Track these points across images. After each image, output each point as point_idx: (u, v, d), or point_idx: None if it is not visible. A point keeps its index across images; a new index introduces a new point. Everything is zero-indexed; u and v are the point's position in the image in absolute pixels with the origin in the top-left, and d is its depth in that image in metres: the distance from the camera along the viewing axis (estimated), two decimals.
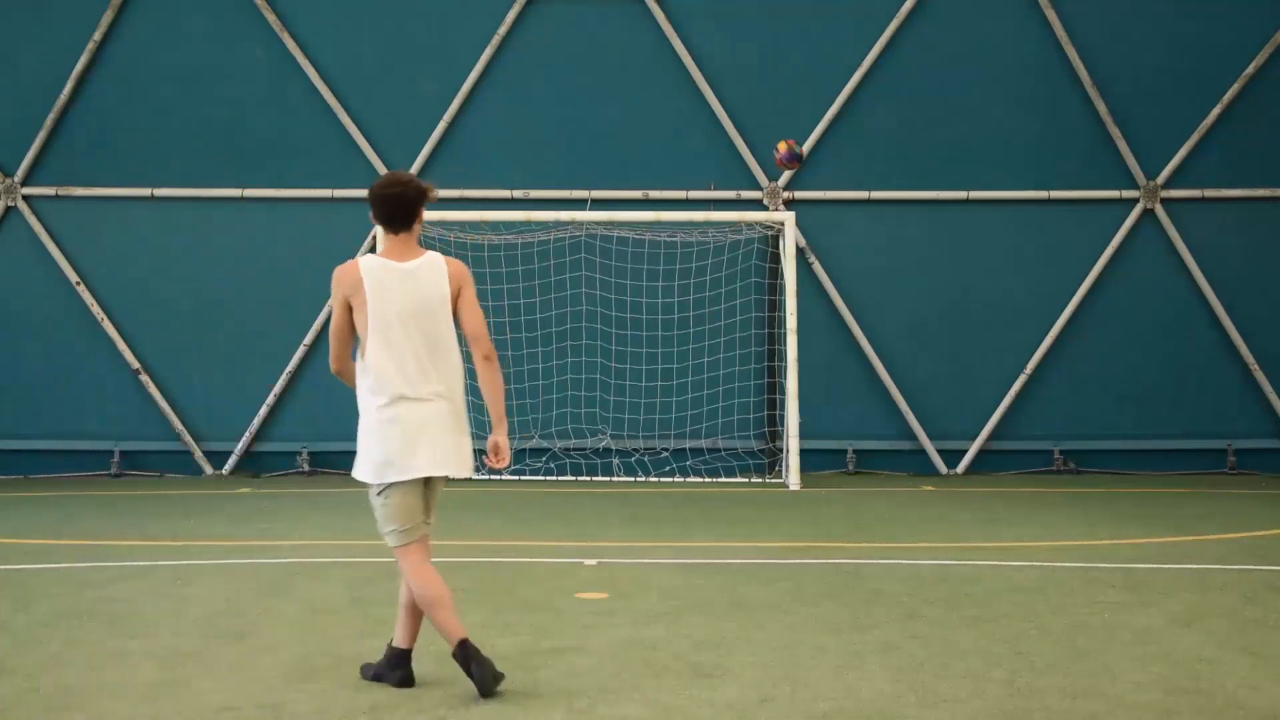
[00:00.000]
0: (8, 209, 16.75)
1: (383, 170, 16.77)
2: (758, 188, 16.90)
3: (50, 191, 16.77)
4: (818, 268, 16.84)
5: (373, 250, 16.20)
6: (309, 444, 16.73)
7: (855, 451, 16.87)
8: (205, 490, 15.11)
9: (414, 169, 16.78)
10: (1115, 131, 16.91)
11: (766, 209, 16.73)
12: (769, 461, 16.34)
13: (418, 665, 6.07)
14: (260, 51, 16.78)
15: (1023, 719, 5.25)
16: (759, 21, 16.99)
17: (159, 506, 13.32)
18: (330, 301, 5.75)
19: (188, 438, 16.80)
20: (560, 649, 6.43)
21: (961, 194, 16.97)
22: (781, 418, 15.89)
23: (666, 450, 16.20)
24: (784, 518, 12.37)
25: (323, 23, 16.87)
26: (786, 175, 16.89)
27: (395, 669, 5.80)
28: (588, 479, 16.03)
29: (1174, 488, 15.18)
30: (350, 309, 5.75)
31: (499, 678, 5.53)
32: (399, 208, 5.73)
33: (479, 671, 5.49)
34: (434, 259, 5.83)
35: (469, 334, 5.93)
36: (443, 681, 5.80)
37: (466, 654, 5.52)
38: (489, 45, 16.79)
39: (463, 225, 16.21)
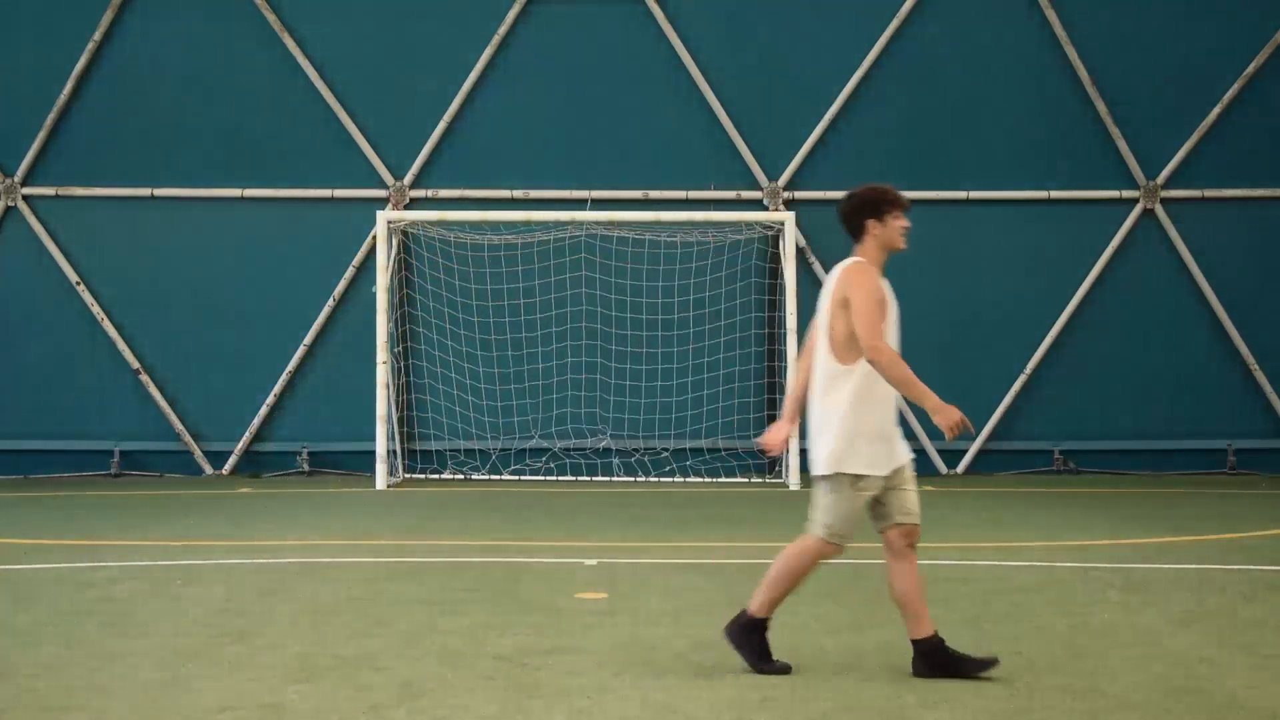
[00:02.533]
0: (8, 209, 16.76)
1: (382, 170, 16.80)
2: (758, 188, 16.91)
3: (50, 191, 16.78)
4: (818, 268, 16.84)
5: (372, 251, 16.22)
6: (309, 444, 16.74)
7: None
8: (205, 490, 15.11)
9: (414, 169, 16.80)
10: (1115, 131, 16.91)
11: (766, 209, 16.73)
12: (769, 461, 16.34)
13: (418, 665, 6.08)
14: (260, 52, 16.76)
15: (1023, 719, 5.25)
16: (759, 21, 17.00)
17: (159, 506, 13.32)
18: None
19: (188, 438, 16.80)
20: (560, 649, 6.42)
21: (961, 194, 16.98)
22: None
23: (666, 450, 16.21)
24: (784, 518, 12.35)
25: (323, 23, 16.88)
26: (787, 175, 16.90)
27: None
28: (588, 479, 16.03)
29: (1173, 488, 15.18)
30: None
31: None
32: (841, 220, 5.95)
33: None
34: None
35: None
36: (443, 682, 5.79)
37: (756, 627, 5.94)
38: (489, 45, 16.79)
39: (463, 225, 16.22)
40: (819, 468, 5.84)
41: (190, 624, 7.03)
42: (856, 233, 5.93)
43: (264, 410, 16.80)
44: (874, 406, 5.80)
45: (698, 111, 16.92)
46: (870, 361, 5.69)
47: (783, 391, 15.67)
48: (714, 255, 16.42)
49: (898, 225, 5.90)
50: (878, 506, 5.90)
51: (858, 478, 5.75)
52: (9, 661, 6.16)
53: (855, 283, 5.76)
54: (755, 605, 5.92)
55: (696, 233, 16.24)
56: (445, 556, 9.59)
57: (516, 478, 16.10)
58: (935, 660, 5.82)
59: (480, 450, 16.33)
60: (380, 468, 15.17)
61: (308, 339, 16.78)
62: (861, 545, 10.27)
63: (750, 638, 5.91)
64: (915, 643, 5.87)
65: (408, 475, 16.20)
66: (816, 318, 5.93)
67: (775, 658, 5.94)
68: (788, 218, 15.84)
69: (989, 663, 5.82)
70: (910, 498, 5.94)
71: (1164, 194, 17.01)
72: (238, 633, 6.80)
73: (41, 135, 16.66)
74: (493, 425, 16.35)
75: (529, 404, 16.36)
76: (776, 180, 16.91)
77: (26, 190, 16.76)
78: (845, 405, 5.77)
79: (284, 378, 16.79)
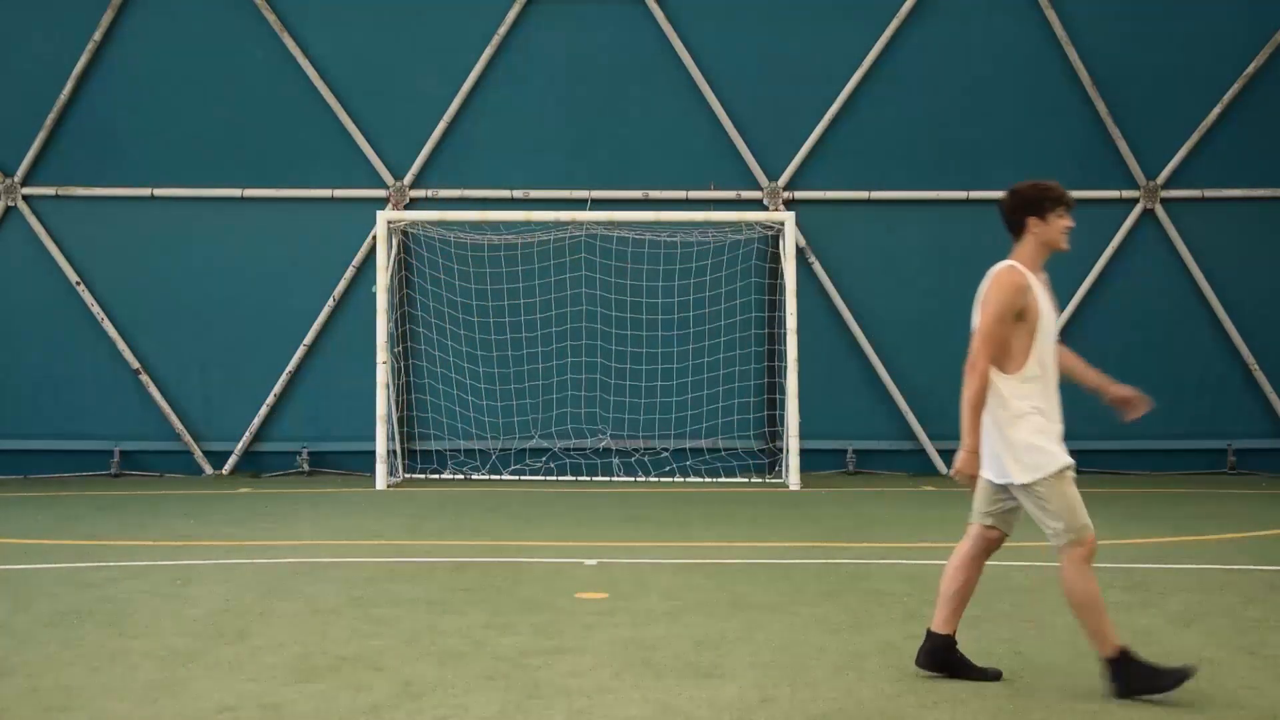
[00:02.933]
0: (8, 209, 16.75)
1: (382, 170, 16.80)
2: (758, 188, 16.91)
3: (50, 191, 16.77)
4: (818, 268, 16.84)
5: (372, 251, 16.22)
6: (309, 444, 16.74)
7: (855, 451, 16.87)
8: (205, 490, 15.11)
9: (414, 169, 16.79)
10: (1115, 131, 16.91)
11: (766, 209, 16.73)
12: (769, 461, 16.34)
13: (418, 665, 6.08)
14: (260, 53, 16.77)
15: (1023, 719, 5.25)
16: (759, 21, 16.99)
17: (159, 506, 13.32)
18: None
19: (188, 438, 16.80)
20: (560, 649, 6.43)
21: (961, 194, 16.98)
22: (781, 418, 15.89)
23: (666, 450, 16.20)
24: (784, 518, 12.37)
25: (323, 23, 16.87)
26: (787, 175, 16.90)
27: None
28: (588, 479, 16.03)
29: (1174, 488, 15.17)
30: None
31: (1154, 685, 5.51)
32: (1001, 216, 5.88)
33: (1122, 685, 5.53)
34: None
35: None
36: (443, 682, 5.80)
37: (1115, 667, 5.54)
38: (489, 45, 16.79)
39: (463, 225, 16.22)
40: (1023, 477, 5.61)
41: (190, 624, 7.04)
42: (1016, 230, 5.81)
43: (264, 410, 16.80)
44: (1050, 403, 5.67)
45: (698, 111, 16.91)
46: (966, 371, 5.62)
47: (783, 391, 15.65)
48: (714, 255, 16.42)
49: (1061, 224, 5.78)
50: (1004, 499, 5.76)
51: (1063, 470, 5.59)
52: (9, 661, 6.17)
53: (994, 292, 5.68)
54: (1100, 647, 5.63)
55: (696, 233, 16.23)
56: (445, 556, 9.59)
57: (516, 478, 16.10)
58: (940, 658, 5.83)
59: (480, 450, 16.33)
60: (380, 468, 15.17)
61: (308, 339, 16.78)
62: (861, 545, 10.29)
63: (1128, 671, 5.56)
64: (930, 634, 5.86)
65: (408, 475, 16.20)
66: (1052, 323, 5.82)
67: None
68: (788, 218, 15.84)
69: (991, 675, 5.79)
70: (1022, 514, 5.81)
71: (1164, 194, 17.01)
72: (238, 633, 6.80)
73: (41, 135, 16.65)
74: (493, 425, 16.35)
75: (529, 404, 16.36)
76: (776, 180, 16.91)
77: (26, 190, 16.75)
78: (1027, 409, 5.61)
79: (284, 378, 16.79)
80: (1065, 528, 5.59)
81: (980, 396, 5.59)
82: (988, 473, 5.71)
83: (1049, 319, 5.75)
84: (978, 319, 5.73)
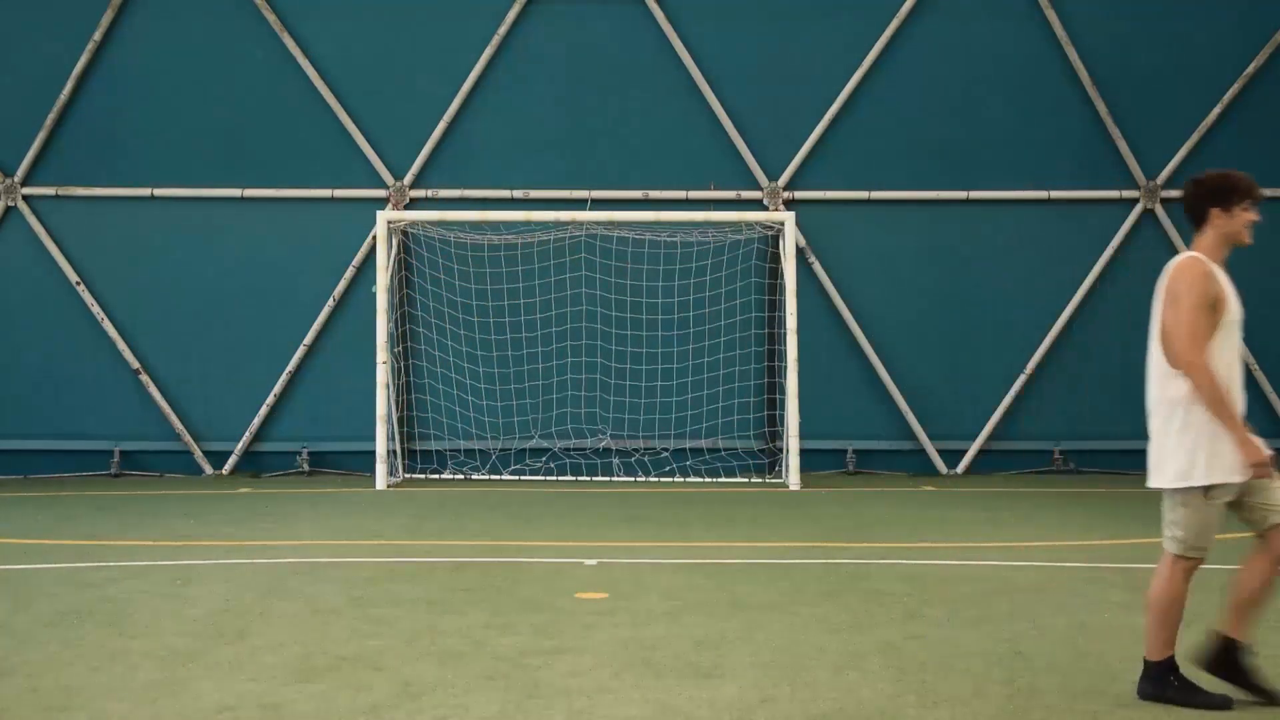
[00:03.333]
0: (8, 209, 16.75)
1: (382, 170, 16.80)
2: (758, 188, 16.91)
3: (50, 191, 16.77)
4: (818, 268, 16.84)
5: (372, 251, 16.22)
6: (309, 444, 16.74)
7: (855, 451, 16.87)
8: (205, 490, 15.11)
9: (414, 169, 16.79)
10: (1115, 131, 16.91)
11: (766, 209, 16.73)
12: (769, 461, 16.34)
13: (418, 665, 6.07)
14: (260, 53, 16.78)
15: (1022, 719, 5.25)
16: (759, 21, 17.00)
17: (159, 506, 13.32)
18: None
19: (188, 438, 16.80)
20: (560, 649, 6.43)
21: (961, 194, 16.98)
22: (781, 418, 15.89)
23: (666, 450, 16.20)
24: (784, 518, 12.36)
25: (323, 23, 16.88)
26: (787, 175, 16.91)
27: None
28: (588, 479, 16.03)
29: None
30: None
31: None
32: (1185, 205, 5.69)
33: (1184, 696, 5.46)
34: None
35: None
36: (443, 682, 5.80)
37: (1157, 670, 5.51)
38: (489, 45, 16.79)
39: (463, 225, 16.23)
40: (1164, 481, 5.41)
41: (190, 624, 7.04)
42: (1198, 220, 5.60)
43: (264, 410, 16.80)
44: (1231, 397, 5.42)
45: (698, 111, 16.92)
46: (1185, 375, 5.38)
47: (783, 391, 15.65)
48: (714, 255, 16.42)
49: (1245, 218, 5.57)
50: (1242, 511, 5.45)
51: (1209, 488, 5.34)
52: (9, 661, 6.17)
53: (1183, 284, 5.42)
54: (1151, 650, 5.53)
55: (696, 233, 16.24)
56: (445, 556, 9.59)
57: (516, 478, 16.10)
58: (1220, 661, 5.62)
59: (480, 450, 16.33)
60: (380, 468, 15.17)
61: (308, 339, 16.78)
62: (861, 545, 10.29)
63: (1167, 679, 5.49)
64: (1223, 638, 5.60)
65: (408, 475, 16.20)
66: (1238, 316, 5.59)
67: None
68: (788, 218, 15.84)
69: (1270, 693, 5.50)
70: (1276, 493, 5.41)
71: (1164, 194, 17.01)
72: (238, 633, 6.80)
73: (41, 135, 16.66)
74: (493, 425, 16.35)
75: (529, 404, 16.36)
76: (776, 180, 16.91)
77: (26, 190, 16.75)
78: (1184, 412, 5.39)
79: (284, 378, 16.79)
80: (1184, 539, 5.40)
81: (1216, 390, 5.32)
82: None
83: (1236, 312, 5.54)
84: (1164, 317, 5.47)
